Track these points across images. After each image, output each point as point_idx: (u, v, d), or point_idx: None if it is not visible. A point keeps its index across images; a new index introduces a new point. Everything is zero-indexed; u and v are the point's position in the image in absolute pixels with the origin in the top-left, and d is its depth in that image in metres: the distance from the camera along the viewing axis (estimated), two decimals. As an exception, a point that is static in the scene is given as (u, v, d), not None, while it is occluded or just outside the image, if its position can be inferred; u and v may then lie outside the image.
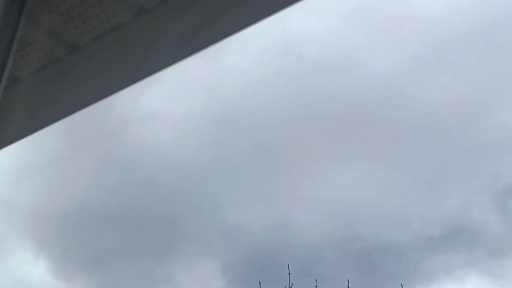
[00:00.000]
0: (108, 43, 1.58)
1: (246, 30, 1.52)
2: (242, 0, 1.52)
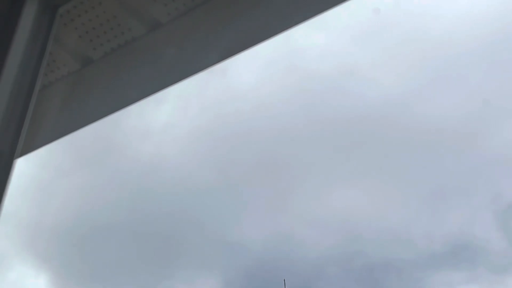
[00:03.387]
0: (122, 57, 1.59)
1: (255, 47, 1.53)
2: (256, 16, 1.53)
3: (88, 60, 1.62)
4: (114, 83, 1.65)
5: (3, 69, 1.30)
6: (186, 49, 1.58)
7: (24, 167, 1.68)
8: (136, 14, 1.54)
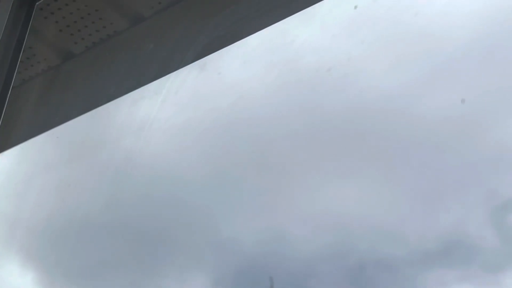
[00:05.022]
0: (104, 52, 1.55)
1: (247, 39, 1.50)
2: (242, 9, 1.50)
3: (69, 54, 1.58)
4: (96, 78, 1.61)
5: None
6: (171, 43, 1.54)
7: (8, 163, 1.64)
8: (118, 7, 1.51)
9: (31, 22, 1.36)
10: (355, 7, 1.44)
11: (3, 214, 1.78)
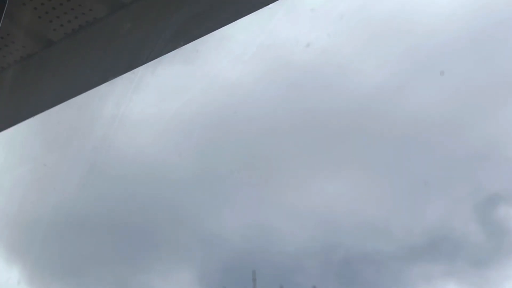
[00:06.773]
0: (83, 39, 1.52)
1: (232, 31, 1.47)
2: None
3: (48, 42, 1.55)
4: (76, 66, 1.58)
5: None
6: (152, 31, 1.51)
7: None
8: (98, -7, 1.47)
9: (6, 7, 1.32)
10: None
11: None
